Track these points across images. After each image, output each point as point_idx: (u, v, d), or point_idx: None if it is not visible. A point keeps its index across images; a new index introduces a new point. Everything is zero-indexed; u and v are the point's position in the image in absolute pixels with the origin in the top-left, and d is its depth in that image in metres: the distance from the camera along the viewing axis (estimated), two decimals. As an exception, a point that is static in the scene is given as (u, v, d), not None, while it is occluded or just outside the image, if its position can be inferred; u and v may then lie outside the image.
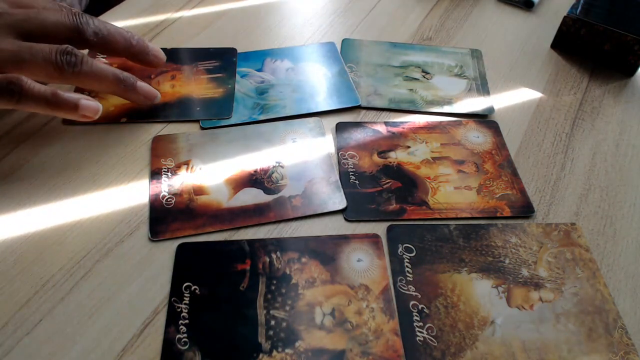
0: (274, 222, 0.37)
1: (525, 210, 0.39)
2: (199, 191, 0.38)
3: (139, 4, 0.55)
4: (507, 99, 0.48)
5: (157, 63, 0.43)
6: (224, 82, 0.47)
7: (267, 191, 0.39)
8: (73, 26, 0.38)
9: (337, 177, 0.40)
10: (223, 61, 0.49)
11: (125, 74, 0.40)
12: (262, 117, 0.44)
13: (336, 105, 0.45)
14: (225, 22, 0.54)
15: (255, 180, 0.39)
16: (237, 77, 0.48)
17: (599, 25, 0.49)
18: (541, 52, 0.53)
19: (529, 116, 0.46)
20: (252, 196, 0.38)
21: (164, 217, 0.37)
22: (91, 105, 0.37)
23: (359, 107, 0.46)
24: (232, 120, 0.44)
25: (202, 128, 0.43)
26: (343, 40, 0.53)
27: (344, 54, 0.51)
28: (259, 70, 0.49)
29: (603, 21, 0.49)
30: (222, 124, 0.43)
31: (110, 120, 0.43)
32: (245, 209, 0.37)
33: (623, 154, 0.44)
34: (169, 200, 0.38)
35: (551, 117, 0.46)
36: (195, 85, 0.46)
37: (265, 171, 0.40)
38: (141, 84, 0.41)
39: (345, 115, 0.45)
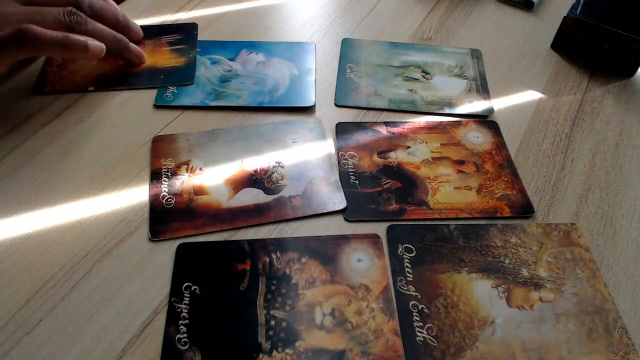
0: (274, 222, 0.37)
1: (525, 210, 0.39)
2: (199, 191, 0.38)
3: (140, 4, 0.55)
4: (507, 99, 0.48)
5: (136, 37, 0.49)
6: (186, 53, 0.50)
7: (267, 191, 0.39)
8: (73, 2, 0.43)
9: (337, 177, 0.40)
10: (185, 34, 0.52)
11: (120, 35, 0.46)
12: (213, 104, 0.45)
13: (289, 103, 0.45)
14: (225, 22, 0.54)
15: (256, 180, 0.39)
16: (208, 62, 0.49)
17: (599, 25, 0.49)
18: (541, 52, 0.53)
19: (529, 116, 0.46)
20: (252, 196, 0.38)
21: (164, 217, 0.37)
22: (97, 45, 0.42)
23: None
24: (183, 102, 0.45)
25: (156, 106, 0.45)
26: (343, 40, 0.53)
27: (344, 53, 0.51)
28: (231, 59, 0.49)
29: (603, 21, 0.49)
30: (175, 104, 0.45)
31: (79, 88, 0.46)
32: (245, 209, 0.37)
33: (623, 154, 0.44)
34: (169, 200, 0.38)
35: (551, 117, 0.46)
36: (160, 56, 0.49)
37: (265, 171, 0.40)
38: (133, 45, 0.47)
39: (345, 116, 0.45)
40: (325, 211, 0.38)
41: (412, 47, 0.52)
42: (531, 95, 0.48)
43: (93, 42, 0.42)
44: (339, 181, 0.39)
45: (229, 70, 0.48)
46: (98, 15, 0.44)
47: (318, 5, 0.57)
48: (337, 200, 0.38)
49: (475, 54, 0.52)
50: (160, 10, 0.55)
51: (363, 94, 0.47)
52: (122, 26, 0.47)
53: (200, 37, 0.52)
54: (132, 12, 0.54)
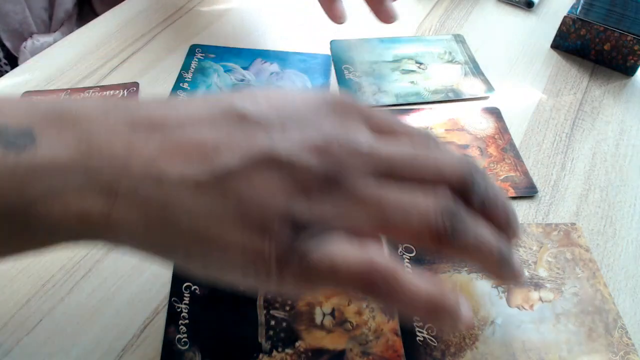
0: None
1: (529, 190, 0.39)
2: None
3: (139, 4, 0.55)
4: (506, 99, 0.48)
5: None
6: None
7: None
8: (462, 180, 0.24)
9: None
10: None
11: (503, 243, 0.24)
12: None
13: None
14: (225, 21, 0.54)
15: None
16: (221, 70, 0.48)
17: (599, 25, 0.49)
18: (541, 52, 0.53)
19: (528, 116, 0.46)
20: None
21: None
22: (469, 316, 0.23)
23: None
24: None
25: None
26: (331, 42, 0.52)
27: (336, 55, 0.51)
28: (245, 68, 0.48)
29: (603, 21, 0.49)
30: None
31: None
32: None
33: (623, 154, 0.44)
34: None
35: (551, 117, 0.46)
36: None
37: None
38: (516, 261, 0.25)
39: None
40: None
41: (399, 40, 0.53)
42: (531, 95, 0.48)
43: (467, 310, 0.23)
44: None
45: (242, 80, 0.47)
46: (488, 214, 0.25)
47: (316, 5, 0.57)
48: None
49: (459, 39, 0.53)
50: (160, 10, 0.54)
51: (368, 93, 0.47)
52: (504, 225, 0.25)
53: (200, 37, 0.51)
54: (132, 12, 0.54)
